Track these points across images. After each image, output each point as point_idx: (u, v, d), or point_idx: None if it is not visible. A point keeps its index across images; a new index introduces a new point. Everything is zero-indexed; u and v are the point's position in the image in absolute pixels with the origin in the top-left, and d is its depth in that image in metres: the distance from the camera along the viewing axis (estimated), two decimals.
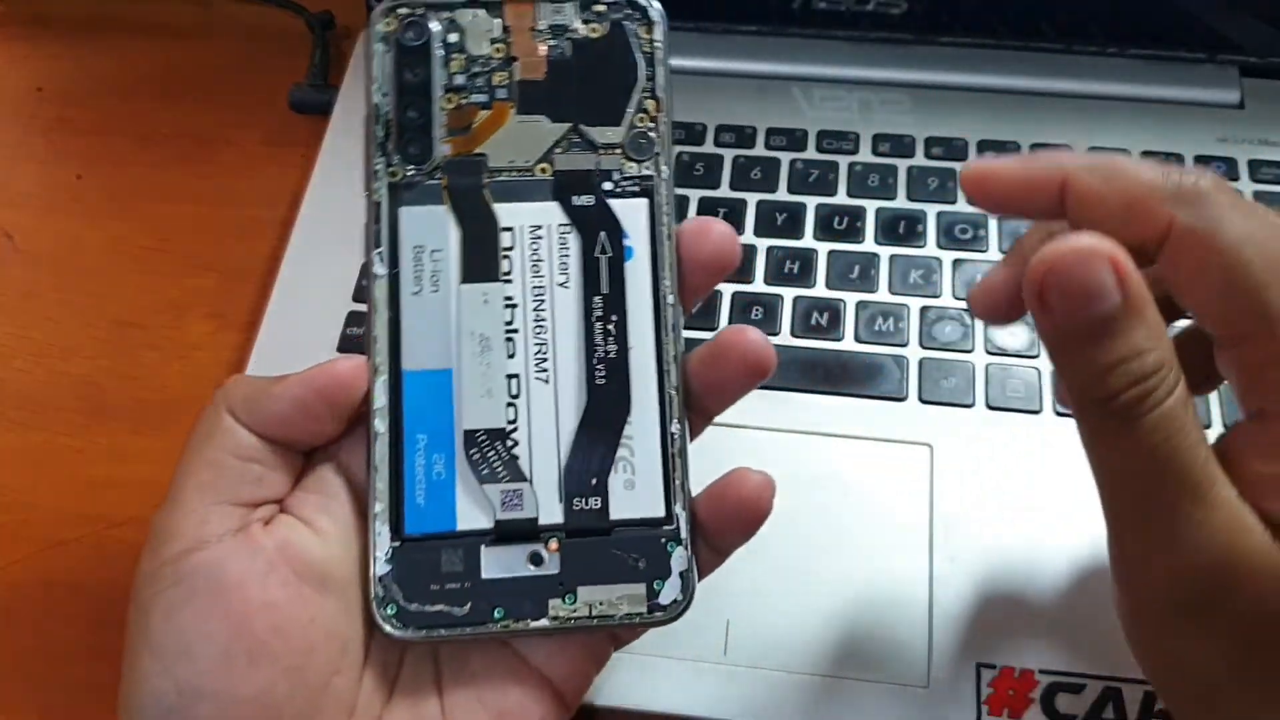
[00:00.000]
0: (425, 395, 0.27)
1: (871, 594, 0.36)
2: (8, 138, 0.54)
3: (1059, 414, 0.40)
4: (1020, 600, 0.36)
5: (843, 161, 0.47)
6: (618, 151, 0.28)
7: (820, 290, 0.43)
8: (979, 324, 0.42)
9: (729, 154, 0.48)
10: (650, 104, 0.29)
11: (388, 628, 0.26)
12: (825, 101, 0.50)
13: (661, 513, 0.27)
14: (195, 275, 0.48)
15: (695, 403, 0.28)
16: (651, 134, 0.29)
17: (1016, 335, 0.42)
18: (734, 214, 0.46)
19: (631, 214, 0.28)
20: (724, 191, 0.47)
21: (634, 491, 0.27)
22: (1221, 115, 0.49)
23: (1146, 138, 0.48)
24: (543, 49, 0.29)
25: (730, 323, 0.43)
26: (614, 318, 0.28)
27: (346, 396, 0.27)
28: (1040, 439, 0.39)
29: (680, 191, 0.46)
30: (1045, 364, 0.41)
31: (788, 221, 0.45)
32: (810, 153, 0.48)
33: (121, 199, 0.51)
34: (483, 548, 0.27)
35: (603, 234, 0.28)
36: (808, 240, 0.45)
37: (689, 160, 0.47)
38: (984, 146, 0.48)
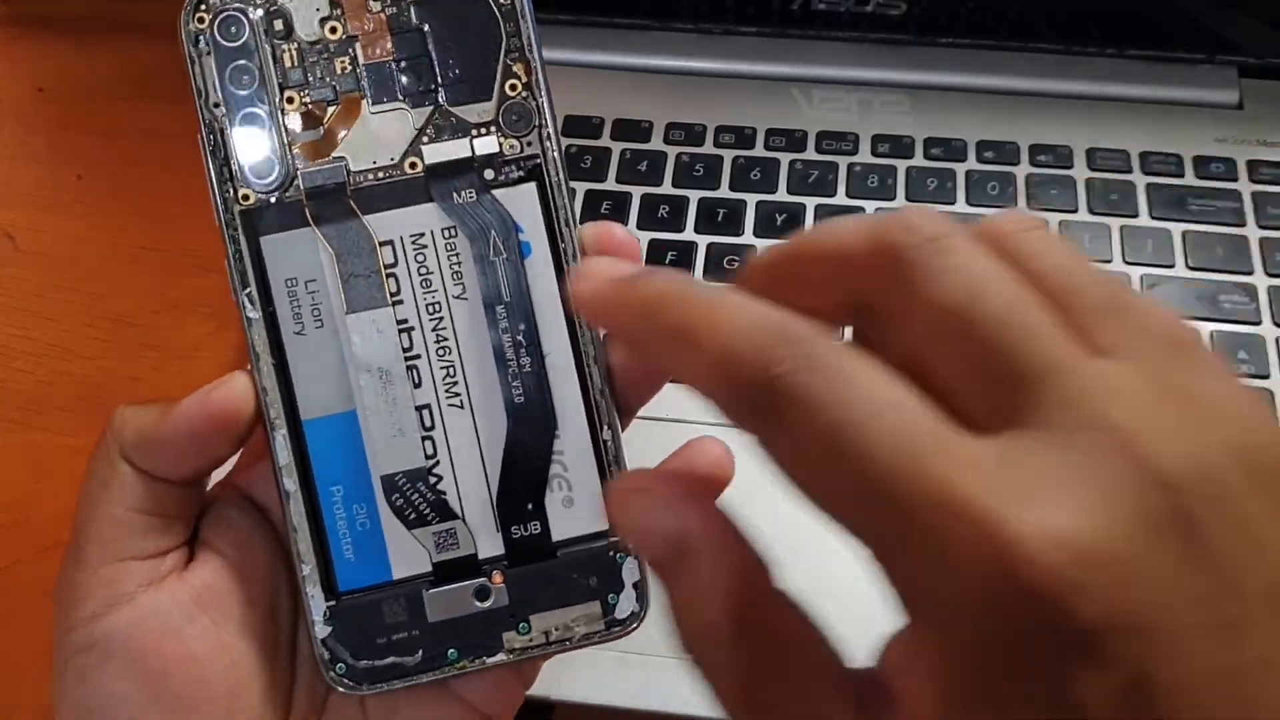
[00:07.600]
0: (332, 443, 0.25)
1: (871, 594, 0.36)
2: (9, 138, 0.54)
3: None
4: None
5: (842, 162, 0.47)
6: (493, 131, 0.25)
7: None
8: None
9: (729, 155, 0.48)
10: (519, 67, 0.25)
11: (340, 688, 0.25)
12: (825, 102, 0.50)
13: (605, 525, 0.25)
14: (195, 275, 0.48)
15: (618, 399, 0.26)
16: (528, 103, 0.25)
17: None
18: (733, 215, 0.46)
19: (521, 203, 0.25)
20: (724, 192, 0.47)
21: (574, 509, 0.25)
22: (1220, 116, 0.49)
23: (1145, 138, 0.48)
24: (382, 19, 0.25)
25: None
26: (522, 326, 0.25)
27: (237, 420, 0.25)
28: None
29: (680, 193, 0.46)
30: None
31: (787, 222, 0.45)
32: (810, 154, 0.48)
33: (122, 199, 0.51)
34: (424, 592, 0.25)
35: (493, 233, 0.25)
36: None
37: (689, 161, 0.47)
38: (983, 147, 0.48)
